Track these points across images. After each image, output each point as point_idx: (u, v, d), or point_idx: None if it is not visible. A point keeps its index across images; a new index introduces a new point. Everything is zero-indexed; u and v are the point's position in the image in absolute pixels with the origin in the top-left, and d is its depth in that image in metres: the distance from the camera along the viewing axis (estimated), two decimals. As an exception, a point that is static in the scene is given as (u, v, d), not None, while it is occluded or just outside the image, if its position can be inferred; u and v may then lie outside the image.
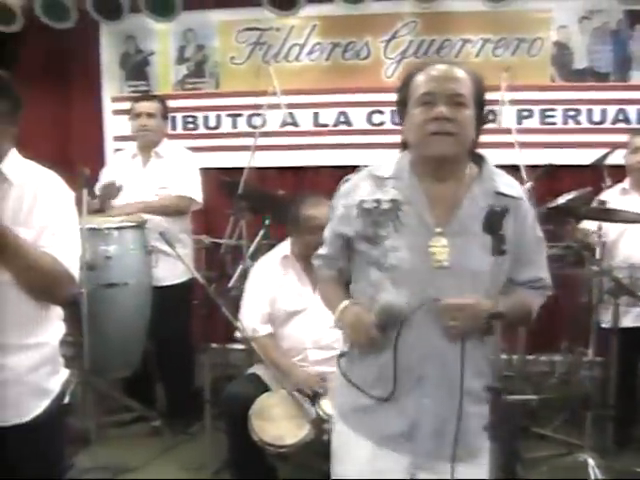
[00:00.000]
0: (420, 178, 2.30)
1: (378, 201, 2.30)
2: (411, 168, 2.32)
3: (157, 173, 4.73)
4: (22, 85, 6.22)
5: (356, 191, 2.35)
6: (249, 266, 4.46)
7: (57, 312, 2.59)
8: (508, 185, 2.32)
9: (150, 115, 4.76)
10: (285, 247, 3.94)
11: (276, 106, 5.10)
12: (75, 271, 2.46)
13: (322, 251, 2.54)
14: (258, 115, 5.93)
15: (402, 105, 2.33)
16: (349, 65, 5.94)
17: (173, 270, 4.55)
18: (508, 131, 4.92)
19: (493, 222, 2.04)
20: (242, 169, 5.65)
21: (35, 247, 2.36)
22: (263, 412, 3.55)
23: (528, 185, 4.32)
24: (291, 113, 5.71)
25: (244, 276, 4.46)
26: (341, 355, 2.42)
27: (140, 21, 5.91)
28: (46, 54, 6.18)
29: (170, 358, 4.75)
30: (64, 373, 2.63)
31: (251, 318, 3.86)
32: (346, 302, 2.38)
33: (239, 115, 6.09)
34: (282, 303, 3.85)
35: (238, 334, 3.82)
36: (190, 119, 6.14)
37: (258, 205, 4.61)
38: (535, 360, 5.44)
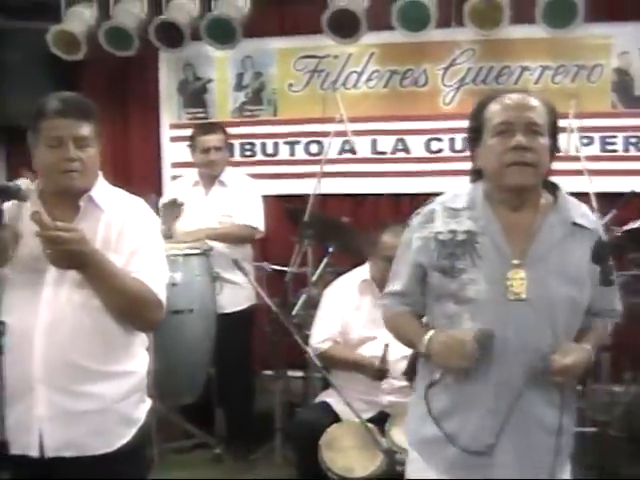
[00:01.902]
0: (495, 208, 2.30)
1: (453, 232, 2.29)
2: (485, 198, 2.31)
3: (220, 201, 4.75)
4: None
5: (431, 223, 2.34)
6: (313, 294, 4.46)
7: (143, 339, 2.59)
8: (583, 216, 2.32)
9: (218, 149, 4.79)
10: (364, 271, 3.93)
11: (343, 133, 5.09)
12: (163, 296, 2.47)
13: (393, 288, 2.49)
14: (317, 142, 5.98)
15: (474, 133, 2.33)
16: (407, 92, 5.92)
17: (235, 297, 4.58)
18: (574, 158, 4.86)
19: (602, 253, 2.02)
20: (300, 196, 5.71)
21: (126, 272, 2.37)
22: (333, 443, 3.52)
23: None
24: (348, 140, 5.70)
25: (307, 303, 4.46)
26: (431, 384, 2.32)
27: (199, 49, 5.94)
28: (106, 81, 6.25)
29: (232, 384, 4.75)
30: (149, 402, 2.63)
31: (320, 336, 3.85)
32: (432, 331, 2.31)
33: (297, 142, 6.09)
34: (355, 328, 3.83)
35: (310, 350, 3.81)
36: (248, 146, 6.14)
37: (323, 232, 4.60)
38: (596, 391, 5.34)
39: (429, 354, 2.29)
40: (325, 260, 4.58)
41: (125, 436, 2.47)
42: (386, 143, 5.96)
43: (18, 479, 2.36)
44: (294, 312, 4.44)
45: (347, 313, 3.87)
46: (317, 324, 3.95)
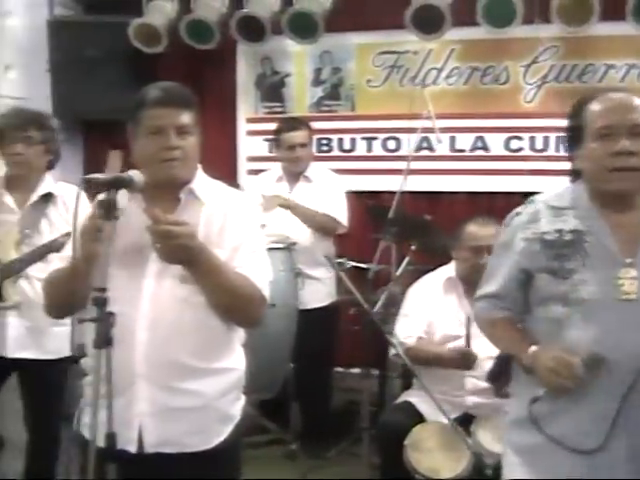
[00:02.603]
0: (600, 208, 2.25)
1: (560, 232, 2.24)
2: (589, 198, 2.26)
3: (305, 196, 4.72)
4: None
5: (535, 223, 2.29)
6: (394, 291, 4.41)
7: (241, 336, 2.56)
8: None
9: (303, 145, 4.76)
10: (449, 269, 3.87)
11: (426, 130, 5.04)
12: (267, 292, 2.42)
13: (487, 290, 2.42)
14: (394, 139, 5.93)
15: (574, 133, 2.28)
16: (487, 90, 5.82)
17: (317, 293, 4.56)
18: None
19: None
20: (376, 192, 5.68)
21: (230, 268, 2.33)
22: (419, 443, 3.47)
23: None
24: (427, 138, 5.65)
25: (388, 301, 4.41)
26: (534, 400, 2.27)
27: (277, 43, 5.94)
28: (183, 74, 6.25)
29: (310, 381, 4.74)
30: (243, 398, 2.60)
31: (405, 333, 3.80)
32: (535, 347, 2.26)
33: (374, 138, 6.03)
34: (440, 327, 3.77)
35: (393, 351, 3.76)
36: (325, 141, 6.11)
37: (406, 230, 4.54)
38: None
39: (532, 370, 2.25)
40: (407, 258, 4.52)
41: (222, 433, 2.45)
42: (465, 141, 5.87)
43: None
44: (375, 309, 4.38)
45: (432, 312, 3.81)
46: (401, 321, 3.89)
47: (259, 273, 2.40)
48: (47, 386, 3.55)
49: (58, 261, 2.46)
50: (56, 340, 3.50)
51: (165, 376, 2.33)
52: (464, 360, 3.55)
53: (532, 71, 5.73)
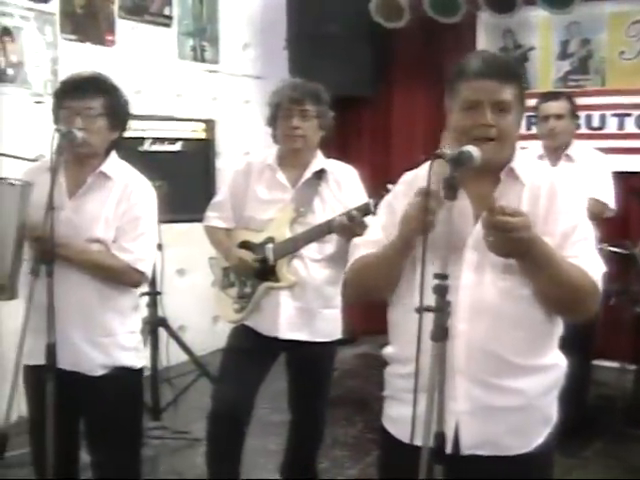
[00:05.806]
0: None
1: None
2: None
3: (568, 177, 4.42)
4: (398, 82, 6.15)
5: None
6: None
7: (560, 330, 2.33)
8: None
9: (559, 116, 4.44)
10: None
11: None
12: (600, 284, 2.14)
13: None
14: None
15: None
16: None
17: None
18: None
19: None
20: (630, 173, 5.31)
21: (562, 257, 2.10)
22: None
23: None
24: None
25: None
26: None
27: (520, 14, 5.65)
28: (420, 49, 6.12)
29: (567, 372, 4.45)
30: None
31: None
32: None
33: (627, 115, 5.65)
34: None
35: None
36: (572, 118, 5.78)
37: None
38: None
39: None
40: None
41: (541, 435, 2.24)
42: None
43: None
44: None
45: None
46: None
47: (593, 263, 2.16)
48: (315, 368, 3.50)
49: (363, 246, 2.31)
50: (326, 322, 3.44)
51: (485, 372, 2.15)
52: None
53: None
